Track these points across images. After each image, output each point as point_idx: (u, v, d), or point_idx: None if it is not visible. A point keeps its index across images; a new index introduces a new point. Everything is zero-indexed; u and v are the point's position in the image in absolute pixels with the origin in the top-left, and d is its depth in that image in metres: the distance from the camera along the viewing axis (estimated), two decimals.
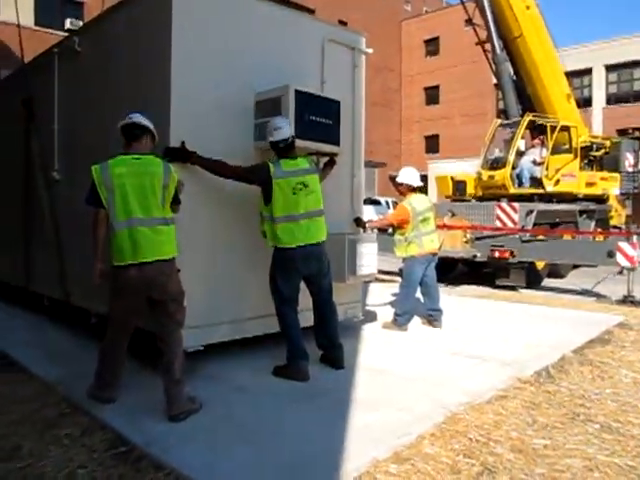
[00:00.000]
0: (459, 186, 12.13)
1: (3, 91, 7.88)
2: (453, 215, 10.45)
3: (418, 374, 4.46)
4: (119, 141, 3.65)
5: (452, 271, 11.36)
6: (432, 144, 36.22)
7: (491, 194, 11.45)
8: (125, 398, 3.79)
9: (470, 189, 12.07)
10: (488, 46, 12.43)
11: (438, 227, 6.56)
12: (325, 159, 5.01)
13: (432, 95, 36.74)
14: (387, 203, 23.38)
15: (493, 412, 3.63)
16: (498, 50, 12.02)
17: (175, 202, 3.67)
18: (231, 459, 2.95)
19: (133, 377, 4.25)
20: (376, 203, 22.37)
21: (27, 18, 19.62)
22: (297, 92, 4.52)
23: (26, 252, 6.75)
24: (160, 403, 3.58)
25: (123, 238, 3.43)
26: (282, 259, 4.32)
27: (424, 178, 6.28)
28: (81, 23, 5.42)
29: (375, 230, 6.30)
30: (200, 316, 4.25)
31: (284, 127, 4.28)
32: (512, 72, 12.29)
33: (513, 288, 9.69)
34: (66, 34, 5.77)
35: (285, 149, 4.31)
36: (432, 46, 37.00)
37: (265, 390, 4.06)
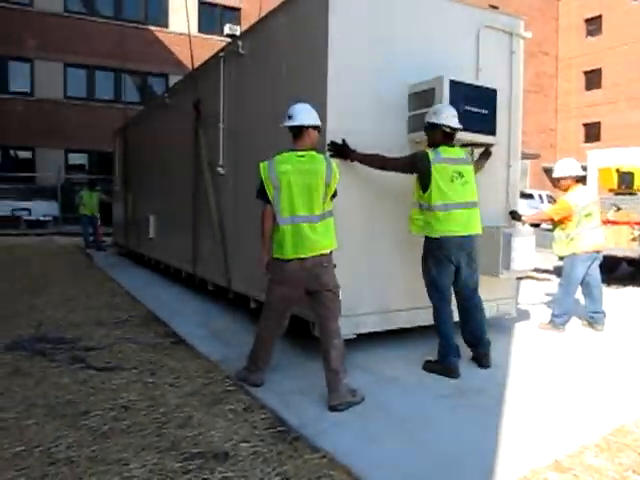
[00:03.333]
0: (625, 178, 11.00)
1: (175, 95, 8.70)
2: (618, 210, 9.56)
3: (578, 379, 4.18)
4: (277, 137, 3.82)
5: (614, 271, 10.41)
6: (592, 132, 33.23)
7: None
8: (282, 381, 4.00)
9: (638, 182, 10.92)
10: None
11: (602, 223, 6.04)
12: (480, 150, 4.86)
13: (593, 79, 33.64)
14: (540, 197, 21.92)
15: None
16: None
17: (332, 195, 3.77)
18: (383, 448, 2.99)
19: (290, 361, 4.48)
20: (528, 197, 21.07)
21: (192, 27, 21.50)
22: (452, 82, 4.44)
23: (194, 241, 7.39)
24: (314, 387, 3.74)
25: (286, 233, 3.60)
26: (434, 248, 4.24)
27: (583, 170, 5.80)
28: (238, 28, 5.84)
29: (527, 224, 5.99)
30: (352, 306, 4.37)
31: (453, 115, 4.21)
32: None
33: None
34: (225, 39, 6.19)
35: (448, 136, 4.25)
36: (593, 25, 33.85)
37: (415, 383, 4.05)
